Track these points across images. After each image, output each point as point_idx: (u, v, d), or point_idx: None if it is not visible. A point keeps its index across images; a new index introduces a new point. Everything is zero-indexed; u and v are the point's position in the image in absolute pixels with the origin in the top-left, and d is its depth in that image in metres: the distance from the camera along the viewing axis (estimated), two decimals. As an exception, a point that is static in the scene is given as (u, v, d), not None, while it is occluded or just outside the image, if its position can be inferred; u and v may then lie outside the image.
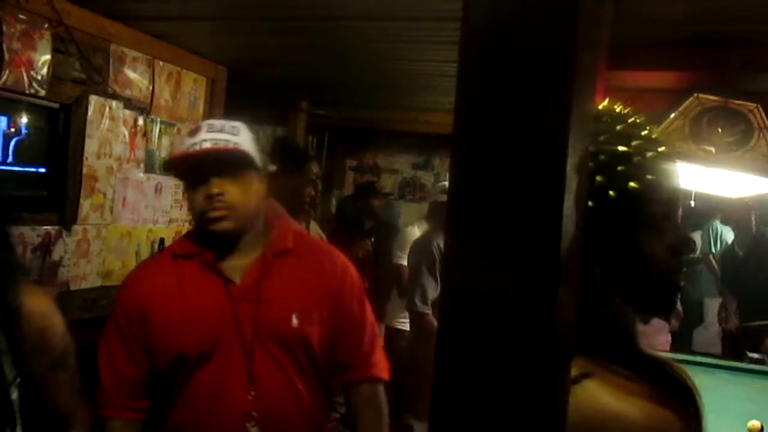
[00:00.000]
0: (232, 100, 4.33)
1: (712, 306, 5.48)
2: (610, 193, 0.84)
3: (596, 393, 0.75)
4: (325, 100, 5.41)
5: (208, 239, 1.63)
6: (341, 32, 3.19)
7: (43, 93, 2.89)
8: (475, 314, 0.53)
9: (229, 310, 1.55)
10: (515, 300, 0.52)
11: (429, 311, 3.49)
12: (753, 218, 5.18)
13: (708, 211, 5.38)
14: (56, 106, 3.06)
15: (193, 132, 1.63)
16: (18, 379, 1.26)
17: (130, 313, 1.62)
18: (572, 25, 0.53)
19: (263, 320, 1.56)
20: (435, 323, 3.16)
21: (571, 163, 0.52)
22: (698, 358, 3.13)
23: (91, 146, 3.21)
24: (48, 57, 2.89)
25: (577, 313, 0.56)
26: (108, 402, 1.61)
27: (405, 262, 4.15)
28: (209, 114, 4.14)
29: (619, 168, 0.85)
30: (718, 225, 5.58)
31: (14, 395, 1.26)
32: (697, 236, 5.50)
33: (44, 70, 2.88)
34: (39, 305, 1.30)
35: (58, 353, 1.33)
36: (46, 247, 3.01)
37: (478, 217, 0.53)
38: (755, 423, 2.35)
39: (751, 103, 2.20)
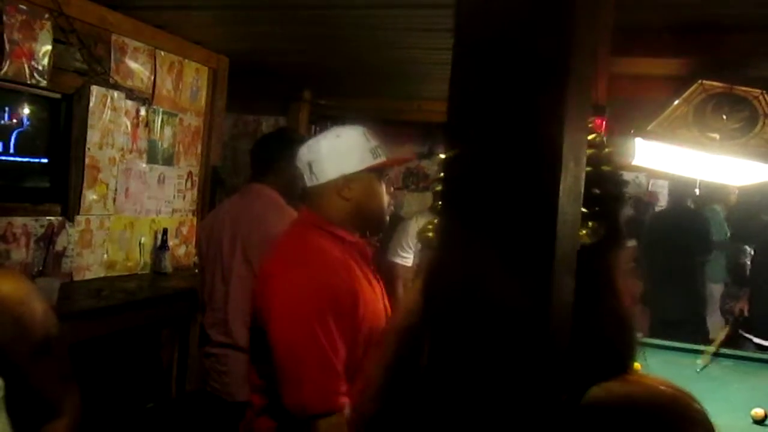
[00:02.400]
0: (234, 90, 4.32)
1: (716, 291, 5.44)
2: None
3: None
4: (328, 91, 5.39)
5: (352, 230, 1.77)
6: (343, 21, 3.18)
7: (44, 83, 2.88)
8: (469, 302, 0.52)
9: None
10: (511, 288, 0.51)
11: None
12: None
13: (705, 198, 5.31)
14: (58, 96, 3.06)
15: (374, 138, 1.80)
16: None
17: (346, 295, 1.61)
18: (569, 6, 0.52)
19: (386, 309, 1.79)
20: None
21: (567, 149, 0.51)
22: (700, 347, 3.12)
23: (93, 137, 3.21)
24: (49, 47, 2.88)
25: None
26: (345, 391, 1.56)
27: (406, 260, 3.81)
28: (212, 104, 4.13)
29: None
30: (718, 210, 5.49)
31: None
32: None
33: (45, 61, 2.87)
34: (13, 292, 1.25)
35: (38, 340, 1.28)
36: (49, 237, 3.01)
37: (473, 205, 0.52)
38: (758, 411, 2.35)
39: (756, 90, 2.17)
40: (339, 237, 1.72)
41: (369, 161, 1.74)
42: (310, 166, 1.74)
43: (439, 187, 0.78)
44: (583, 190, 0.57)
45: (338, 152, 1.73)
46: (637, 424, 0.67)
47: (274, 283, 1.62)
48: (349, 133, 1.77)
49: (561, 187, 0.49)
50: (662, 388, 0.71)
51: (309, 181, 1.74)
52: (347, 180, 1.72)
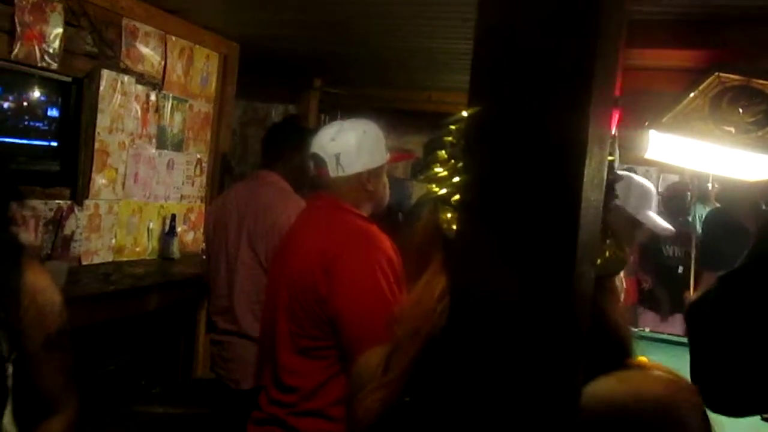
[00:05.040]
0: (244, 78, 4.30)
1: None
2: None
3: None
4: (339, 79, 5.37)
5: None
6: (354, 9, 3.15)
7: (55, 66, 2.88)
8: (490, 291, 0.51)
9: None
10: (532, 278, 0.50)
11: None
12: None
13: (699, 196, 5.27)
14: (68, 79, 3.05)
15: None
16: (14, 355, 1.25)
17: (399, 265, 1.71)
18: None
19: None
20: None
21: (592, 135, 0.50)
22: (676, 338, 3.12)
23: (103, 121, 3.20)
24: (60, 30, 2.87)
25: None
26: None
27: None
28: (222, 91, 4.12)
29: None
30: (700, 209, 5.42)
31: (9, 371, 1.25)
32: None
33: (56, 44, 2.86)
34: (40, 282, 1.29)
35: (54, 332, 1.30)
36: (58, 221, 3.02)
37: (493, 203, 0.51)
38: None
39: (773, 83, 2.14)
40: (368, 219, 1.83)
41: (385, 156, 1.90)
42: (337, 157, 1.81)
43: (429, 173, 0.76)
44: (605, 178, 0.56)
45: (367, 147, 1.84)
46: (637, 409, 0.69)
47: (344, 262, 1.67)
48: (374, 129, 1.88)
49: (585, 173, 0.48)
50: (660, 374, 0.73)
51: (333, 172, 1.82)
52: (370, 174, 1.84)
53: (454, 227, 0.70)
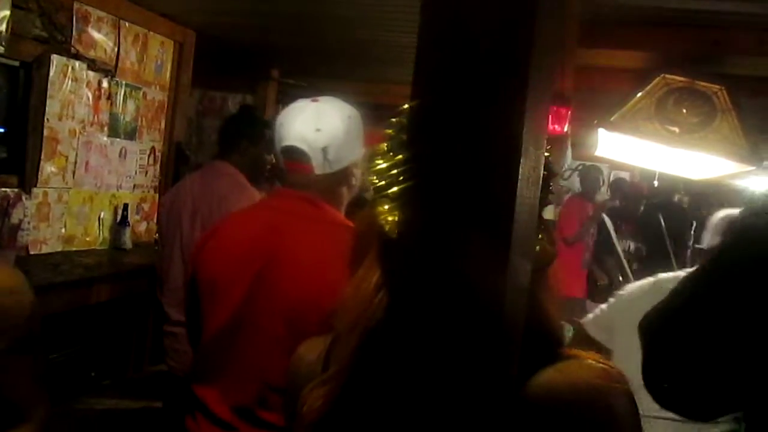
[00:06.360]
0: (200, 66, 4.24)
1: None
2: None
3: None
4: (297, 70, 5.33)
5: None
6: (314, -1, 3.14)
7: (1, 50, 2.79)
8: (428, 280, 0.53)
9: None
10: (468, 270, 0.52)
11: None
12: None
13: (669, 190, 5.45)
14: (16, 64, 2.96)
15: None
16: None
17: None
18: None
19: None
20: None
21: (527, 135, 0.52)
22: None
23: (52, 107, 3.12)
24: (7, 13, 2.78)
25: None
26: None
27: None
28: (177, 79, 4.05)
29: None
30: None
31: None
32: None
33: (2, 27, 2.77)
34: (5, 283, 1.22)
35: (20, 335, 1.23)
36: (4, 209, 2.93)
37: (429, 197, 0.53)
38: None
39: (715, 85, 2.22)
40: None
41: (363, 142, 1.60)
42: (325, 151, 1.50)
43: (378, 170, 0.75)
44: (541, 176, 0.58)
45: (354, 136, 1.55)
46: (571, 397, 0.72)
47: None
48: (355, 112, 1.58)
49: (520, 170, 0.50)
50: (593, 363, 0.76)
51: (320, 169, 1.51)
52: (355, 166, 1.57)
53: (389, 219, 0.71)
